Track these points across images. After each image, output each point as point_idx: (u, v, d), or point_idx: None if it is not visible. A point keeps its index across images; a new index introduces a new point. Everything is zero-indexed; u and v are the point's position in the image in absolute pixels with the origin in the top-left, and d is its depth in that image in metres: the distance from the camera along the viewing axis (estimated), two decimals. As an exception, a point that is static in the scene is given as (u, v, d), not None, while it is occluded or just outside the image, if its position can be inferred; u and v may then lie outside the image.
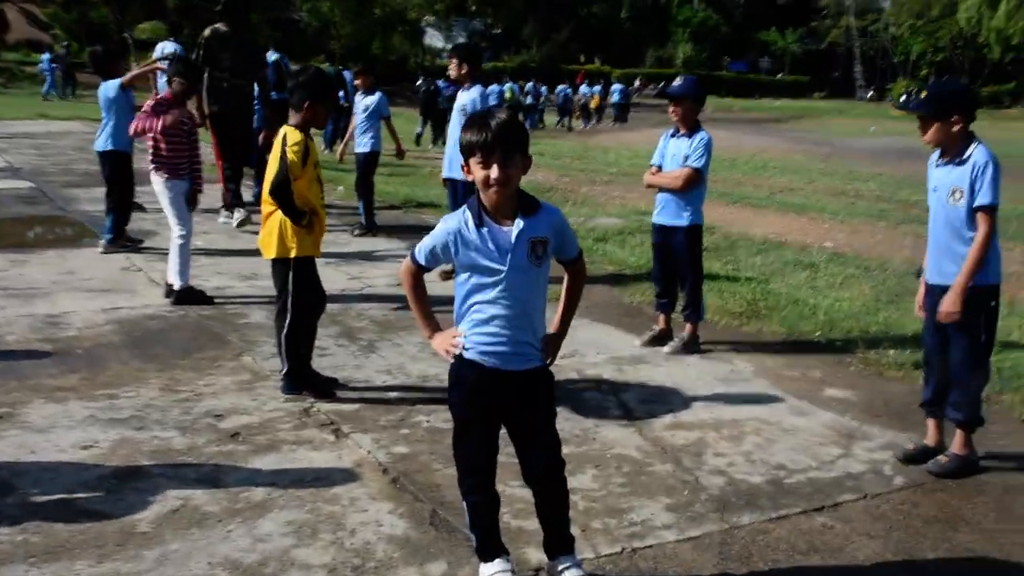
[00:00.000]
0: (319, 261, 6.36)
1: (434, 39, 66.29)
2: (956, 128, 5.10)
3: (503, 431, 3.93)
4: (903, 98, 5.44)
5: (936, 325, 5.26)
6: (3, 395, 6.07)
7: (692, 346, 7.27)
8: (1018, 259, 10.22)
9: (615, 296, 9.17)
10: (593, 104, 45.98)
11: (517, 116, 3.89)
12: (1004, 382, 6.55)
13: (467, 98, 9.03)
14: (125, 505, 4.67)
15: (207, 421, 5.75)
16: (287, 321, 6.14)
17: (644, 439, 5.63)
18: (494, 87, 32.68)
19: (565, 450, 4.02)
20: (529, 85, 42.87)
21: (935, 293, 5.24)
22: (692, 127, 7.18)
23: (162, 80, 9.65)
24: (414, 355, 7.08)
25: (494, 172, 3.58)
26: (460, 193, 9.15)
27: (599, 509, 4.46)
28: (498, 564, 3.96)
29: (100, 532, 4.42)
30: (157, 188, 8.43)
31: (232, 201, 11.92)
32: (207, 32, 11.93)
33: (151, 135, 8.33)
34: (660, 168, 7.29)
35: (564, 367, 6.46)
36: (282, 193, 5.90)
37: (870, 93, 78.88)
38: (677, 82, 7.37)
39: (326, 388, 6.24)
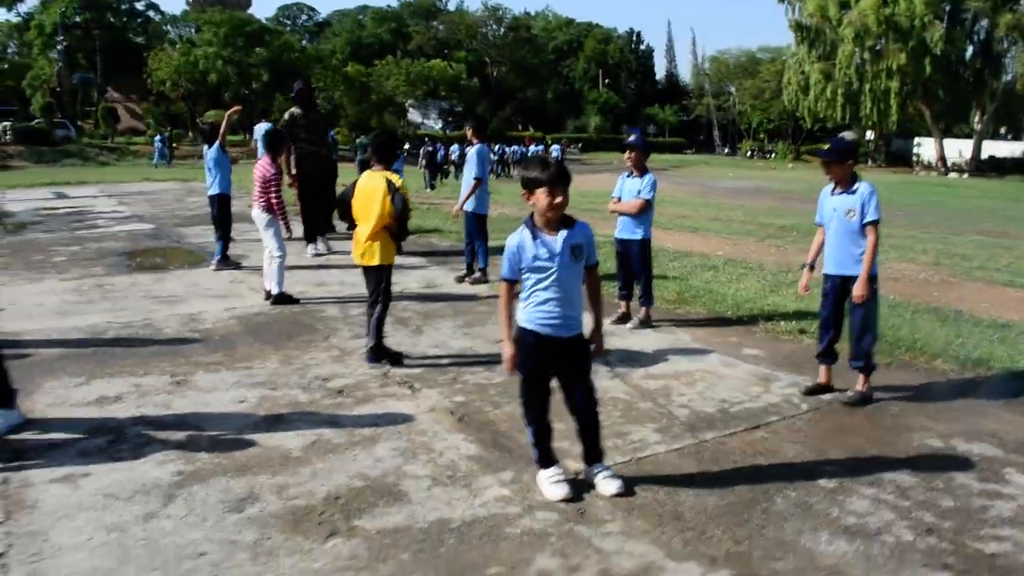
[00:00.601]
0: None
1: (414, 115, 66.10)
2: (850, 169, 5.34)
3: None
4: (820, 149, 5.56)
5: (833, 300, 5.43)
6: (176, 368, 6.06)
7: (647, 323, 7.33)
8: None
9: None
10: (538, 159, 45.85)
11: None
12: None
13: (473, 151, 9.13)
14: (278, 439, 4.71)
15: (318, 383, 5.76)
16: (380, 309, 6.16)
17: (627, 386, 5.71)
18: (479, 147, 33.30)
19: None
20: (496, 147, 42.82)
21: (834, 279, 5.41)
22: (642, 170, 7.20)
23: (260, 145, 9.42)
24: (452, 335, 7.09)
25: (559, 199, 3.71)
26: (471, 220, 9.25)
27: (607, 434, 4.50)
28: (553, 470, 4.07)
29: (267, 456, 4.47)
30: (262, 221, 8.29)
31: (310, 235, 11.52)
32: (286, 116, 11.62)
33: (268, 186, 8.22)
34: (619, 199, 7.31)
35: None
36: (407, 220, 6.03)
37: (726, 150, 79.80)
38: (632, 137, 7.33)
39: (397, 358, 6.26)
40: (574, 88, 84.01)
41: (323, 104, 60.06)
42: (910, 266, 11.58)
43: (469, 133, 9.34)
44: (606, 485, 4.01)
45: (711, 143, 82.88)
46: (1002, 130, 64.90)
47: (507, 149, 44.52)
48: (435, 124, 65.95)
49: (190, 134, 54.61)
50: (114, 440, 4.70)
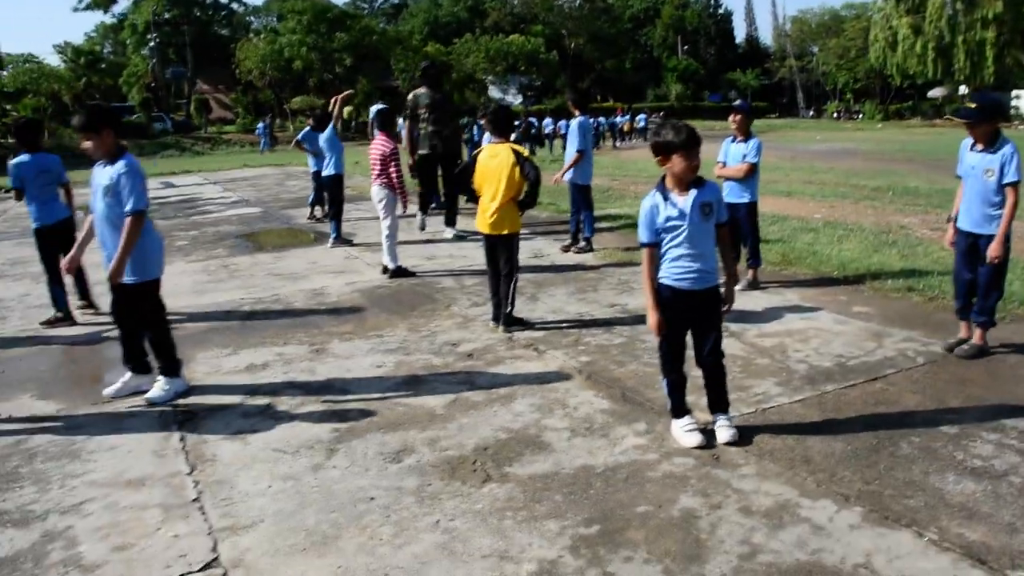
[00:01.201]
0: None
1: (494, 91, 66.28)
2: (994, 127, 5.27)
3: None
4: (965, 108, 5.36)
5: (967, 256, 5.43)
6: (313, 338, 6.49)
7: (755, 284, 7.42)
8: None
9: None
10: (626, 128, 45.50)
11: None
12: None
13: (575, 123, 9.31)
14: (420, 399, 5.06)
15: (448, 347, 6.09)
16: (515, 276, 6.45)
17: (743, 344, 5.87)
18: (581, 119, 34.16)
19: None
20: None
21: (967, 236, 5.42)
22: (747, 134, 7.26)
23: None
24: (566, 301, 7.32)
25: (695, 161, 3.93)
26: (576, 191, 9.48)
27: (731, 387, 4.57)
28: (686, 419, 4.32)
29: (414, 414, 4.83)
30: (380, 196, 8.54)
31: (447, 216, 11.17)
32: (410, 96, 11.04)
33: (388, 162, 8.47)
34: (724, 164, 7.38)
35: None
36: (538, 188, 6.28)
37: (811, 112, 77.62)
38: (738, 102, 7.37)
39: (523, 323, 6.54)
40: (652, 56, 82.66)
41: (402, 84, 60.82)
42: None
43: (571, 106, 9.56)
44: (721, 433, 4.24)
45: (795, 106, 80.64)
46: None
47: (600, 121, 44.32)
48: (515, 99, 66.01)
49: (277, 120, 55.99)
50: (270, 403, 5.15)
